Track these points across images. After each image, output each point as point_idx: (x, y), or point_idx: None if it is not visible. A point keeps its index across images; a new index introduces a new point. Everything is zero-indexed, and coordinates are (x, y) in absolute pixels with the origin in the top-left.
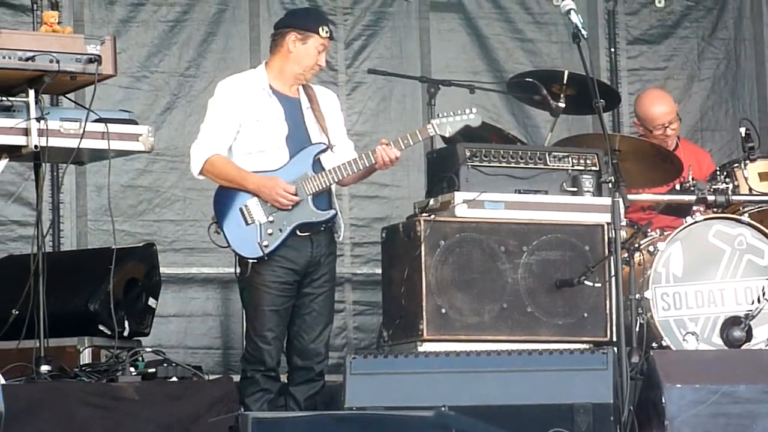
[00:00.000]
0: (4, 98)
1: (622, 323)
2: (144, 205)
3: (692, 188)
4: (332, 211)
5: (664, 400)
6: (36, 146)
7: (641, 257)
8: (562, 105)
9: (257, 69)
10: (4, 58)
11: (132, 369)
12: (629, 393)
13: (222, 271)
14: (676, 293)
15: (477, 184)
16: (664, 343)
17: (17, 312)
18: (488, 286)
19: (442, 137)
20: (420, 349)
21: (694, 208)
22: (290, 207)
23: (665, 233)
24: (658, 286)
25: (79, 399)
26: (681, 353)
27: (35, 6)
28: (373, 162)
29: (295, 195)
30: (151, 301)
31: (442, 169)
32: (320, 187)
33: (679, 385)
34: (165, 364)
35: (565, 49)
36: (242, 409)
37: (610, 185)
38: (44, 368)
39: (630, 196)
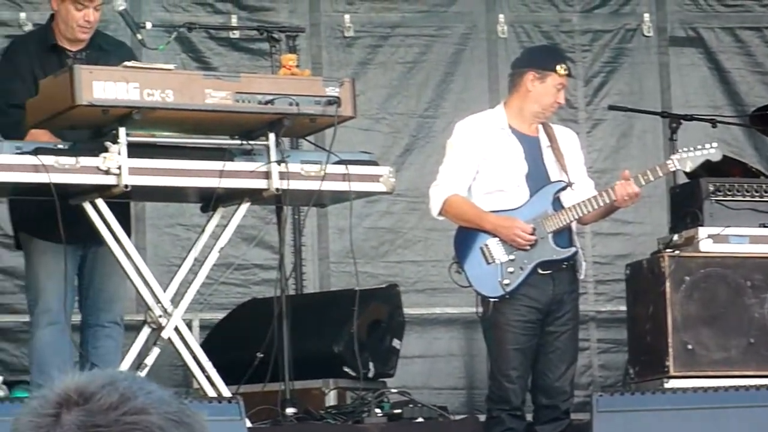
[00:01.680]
0: (244, 142)
1: None
2: (386, 247)
3: None
4: (573, 249)
5: None
6: (277, 189)
7: None
8: None
9: (495, 109)
10: (243, 102)
11: (378, 410)
12: None
13: (465, 311)
14: None
15: (721, 219)
16: None
17: (262, 355)
18: (734, 321)
19: (685, 172)
20: (667, 385)
21: None
22: (528, 247)
23: None
24: None
25: None
26: None
27: (273, 50)
28: (614, 199)
29: (533, 235)
30: (396, 342)
31: (686, 204)
32: (560, 225)
33: None
34: (411, 405)
35: None
36: None
37: None
38: (290, 411)
39: None
